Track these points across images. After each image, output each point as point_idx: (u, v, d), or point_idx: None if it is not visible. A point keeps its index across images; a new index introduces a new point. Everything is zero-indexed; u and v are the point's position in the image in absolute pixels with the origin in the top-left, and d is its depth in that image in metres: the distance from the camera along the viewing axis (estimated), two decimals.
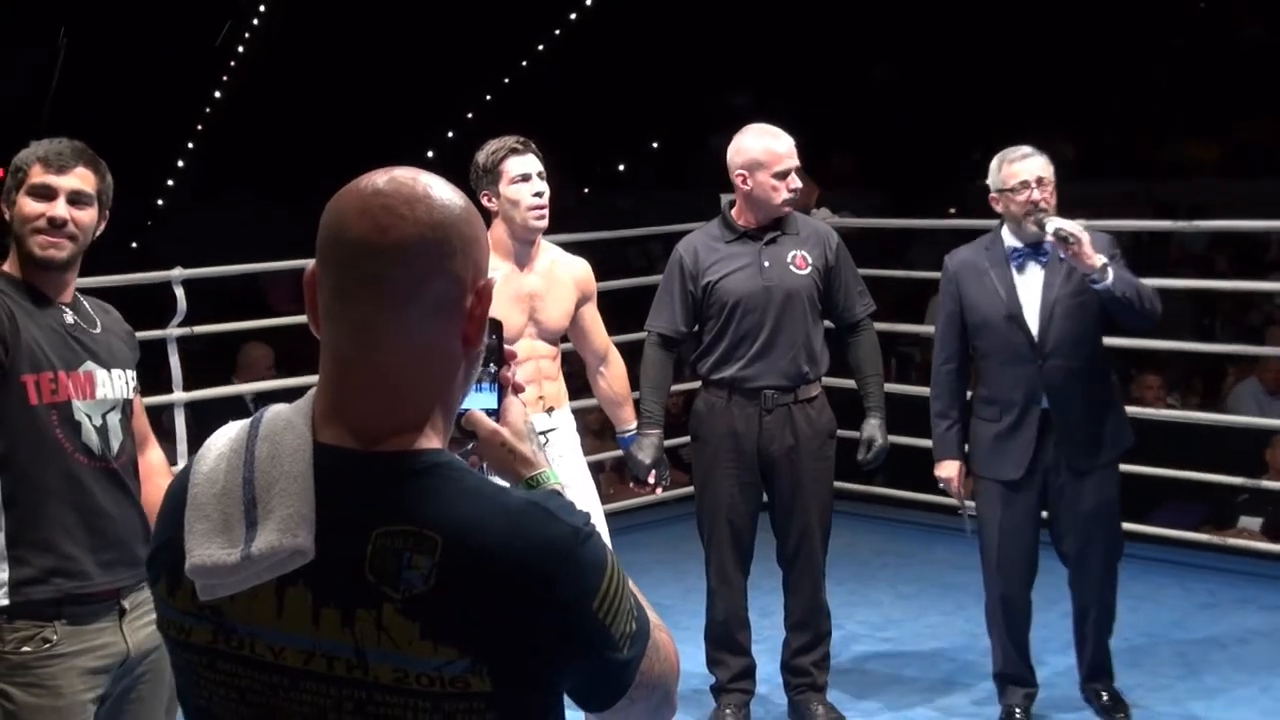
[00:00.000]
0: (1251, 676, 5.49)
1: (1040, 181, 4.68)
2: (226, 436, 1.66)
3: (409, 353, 1.59)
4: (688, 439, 5.29)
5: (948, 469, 4.98)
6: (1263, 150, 14.89)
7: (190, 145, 21.61)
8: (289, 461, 1.59)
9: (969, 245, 4.97)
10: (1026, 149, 4.76)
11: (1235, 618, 6.08)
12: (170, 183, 21.38)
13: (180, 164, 21.60)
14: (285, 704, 1.59)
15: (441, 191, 1.62)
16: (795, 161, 4.94)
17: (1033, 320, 4.74)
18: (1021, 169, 4.71)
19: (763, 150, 4.93)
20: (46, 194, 3.22)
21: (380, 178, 1.63)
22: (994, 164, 4.80)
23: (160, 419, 5.58)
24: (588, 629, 1.56)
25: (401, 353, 1.59)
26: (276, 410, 1.66)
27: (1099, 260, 4.52)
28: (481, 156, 4.50)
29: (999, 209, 4.79)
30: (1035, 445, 4.76)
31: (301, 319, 6.95)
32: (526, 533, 1.55)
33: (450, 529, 1.54)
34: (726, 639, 5.14)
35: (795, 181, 4.93)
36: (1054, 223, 4.56)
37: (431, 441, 1.61)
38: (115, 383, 3.29)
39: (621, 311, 6.87)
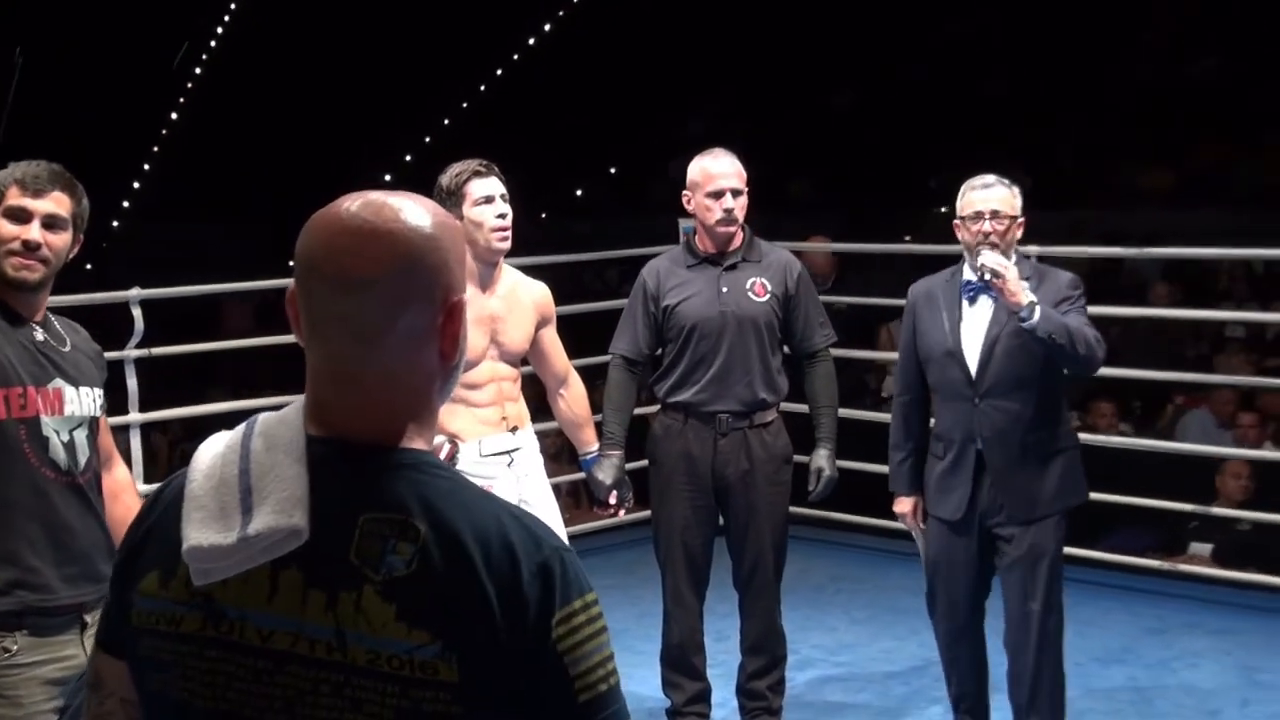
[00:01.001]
0: (1200, 701, 5.54)
1: (995, 214, 4.54)
2: (222, 440, 1.71)
3: (385, 375, 1.66)
4: (644, 462, 5.31)
5: (902, 504, 4.88)
6: (1215, 180, 15.03)
7: (146, 167, 21.52)
8: (283, 452, 1.65)
9: (933, 275, 4.83)
10: (990, 179, 4.63)
11: (1184, 642, 6.14)
12: (126, 204, 21.28)
13: (136, 186, 21.51)
14: (268, 689, 1.62)
15: (408, 219, 1.66)
16: (732, 182, 4.96)
17: (972, 357, 4.59)
18: (977, 199, 4.59)
19: (699, 170, 4.99)
20: (22, 216, 3.25)
21: (349, 207, 1.67)
22: (961, 190, 4.67)
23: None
24: (553, 642, 1.59)
25: (378, 376, 1.65)
26: (268, 414, 1.72)
27: (1025, 297, 4.39)
28: (445, 179, 4.52)
29: (959, 237, 4.66)
30: (972, 487, 4.61)
31: (258, 341, 6.93)
32: (509, 535, 1.61)
33: (435, 520, 1.60)
34: (682, 662, 5.15)
35: (729, 201, 4.95)
36: (986, 256, 4.45)
37: (415, 442, 1.67)
38: (83, 400, 3.32)
39: (579, 335, 6.87)
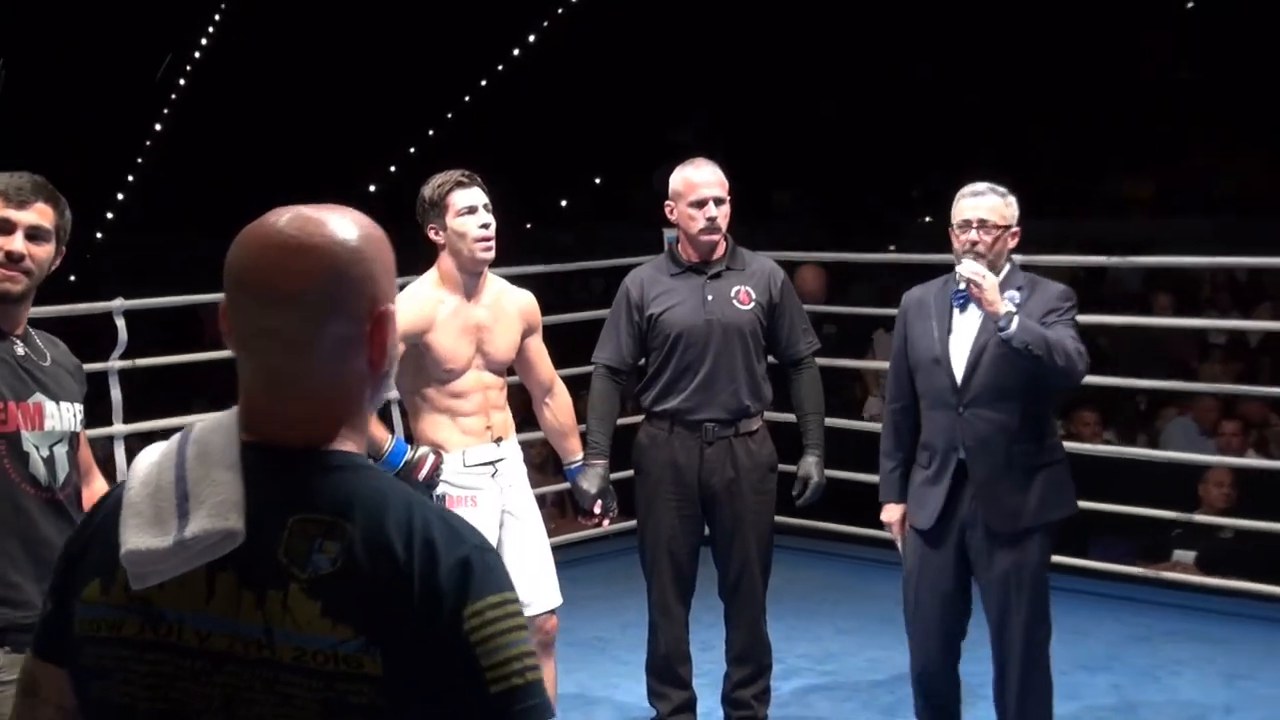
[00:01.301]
0: (1184, 709, 5.55)
1: (983, 224, 4.49)
2: (158, 449, 1.76)
3: (315, 385, 1.71)
4: (630, 472, 5.30)
5: (888, 513, 4.81)
6: (1197, 189, 15.08)
7: (130, 178, 21.49)
8: (218, 457, 1.70)
9: (927, 283, 4.78)
10: (981, 187, 4.56)
11: (1169, 650, 6.15)
12: (110, 215, 21.26)
13: (120, 197, 21.47)
14: (207, 689, 1.66)
15: (334, 233, 1.71)
16: (713, 191, 4.96)
17: (958, 365, 4.54)
18: (966, 207, 4.53)
19: (682, 180, 5.00)
20: (4, 228, 3.23)
21: (276, 222, 1.73)
22: (956, 197, 4.61)
23: (98, 450, 5.55)
24: (466, 633, 1.63)
25: (307, 385, 1.71)
26: (203, 422, 1.76)
27: (1003, 307, 4.35)
28: (427, 190, 4.51)
29: (953, 244, 4.59)
30: (948, 496, 4.56)
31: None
32: (423, 527, 1.66)
33: (362, 520, 1.65)
34: (668, 672, 5.15)
35: (712, 210, 4.95)
36: (964, 265, 4.42)
37: (346, 444, 1.72)
38: (64, 415, 3.30)
39: (564, 345, 6.87)
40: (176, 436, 1.75)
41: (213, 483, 1.68)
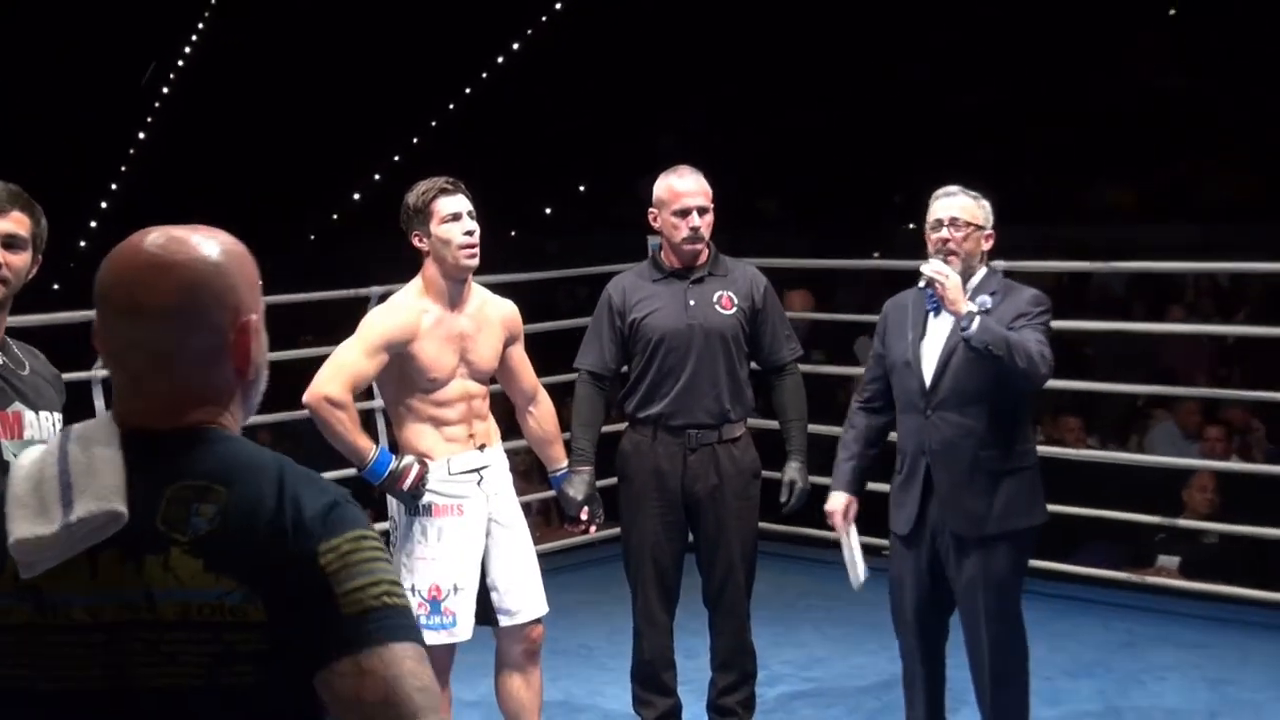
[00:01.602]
0: (1169, 715, 5.56)
1: (954, 221, 4.50)
2: (38, 449, 1.87)
3: (182, 390, 1.84)
4: (614, 479, 5.30)
5: (831, 501, 4.80)
6: (1180, 195, 15.13)
7: (114, 186, 21.45)
8: (99, 446, 1.81)
9: (911, 289, 4.73)
10: (953, 188, 4.58)
11: (1153, 656, 6.16)
12: (93, 224, 21.21)
13: (103, 205, 21.44)
14: (100, 662, 1.76)
15: (195, 251, 1.85)
16: (697, 200, 4.96)
17: (928, 369, 4.53)
18: (938, 207, 4.54)
19: (665, 188, 5.00)
20: None
21: (142, 242, 1.86)
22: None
23: None
24: (324, 568, 1.75)
25: (174, 391, 1.84)
26: (81, 423, 1.88)
27: (964, 307, 4.34)
28: (411, 197, 4.51)
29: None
30: (921, 501, 4.56)
31: None
32: (291, 485, 1.79)
33: (232, 481, 1.78)
34: (652, 679, 5.15)
35: (695, 219, 4.96)
36: (929, 265, 4.42)
37: (214, 417, 1.86)
38: (43, 424, 3.29)
39: (550, 353, 6.88)
40: (56, 435, 1.86)
41: (94, 471, 1.78)
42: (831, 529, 4.91)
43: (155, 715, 1.76)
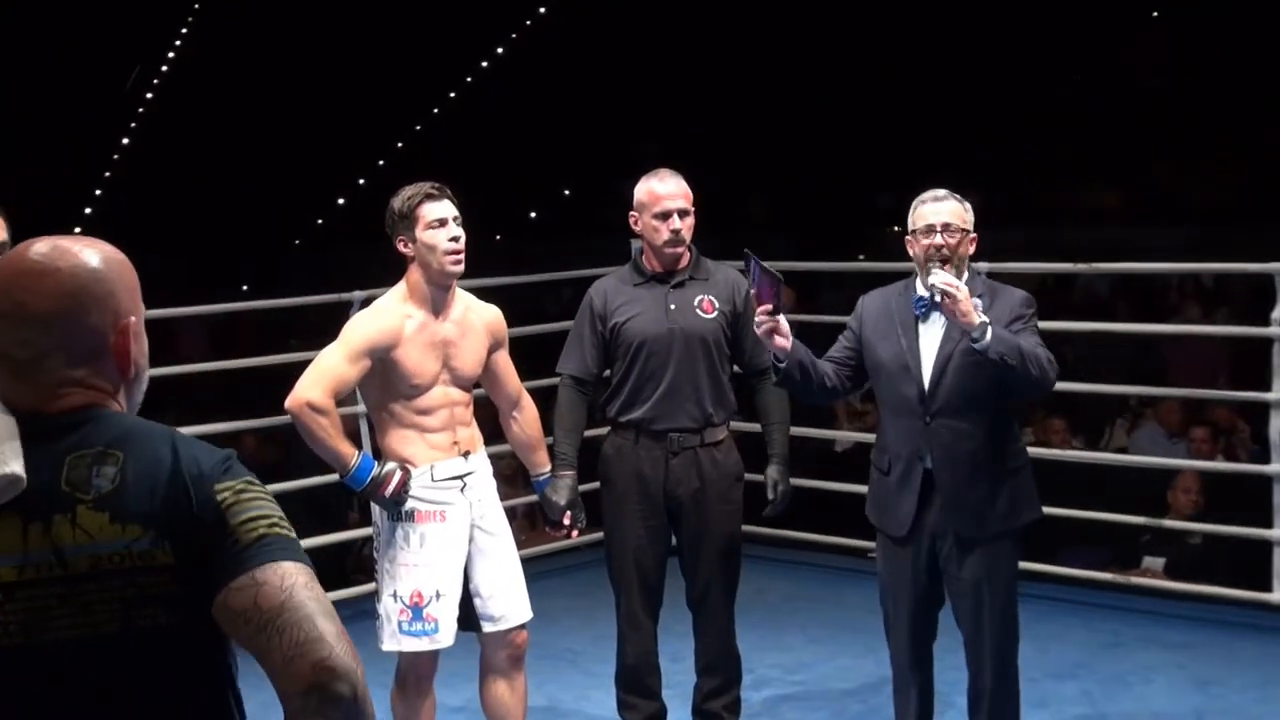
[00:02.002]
0: (1155, 716, 5.57)
1: (947, 228, 4.46)
2: None
3: (69, 381, 2.00)
4: (597, 483, 5.29)
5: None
6: (1164, 197, 15.18)
7: (98, 192, 21.42)
8: None
9: (884, 289, 4.74)
10: (941, 192, 4.55)
11: (1139, 656, 6.17)
12: (78, 230, 21.17)
13: (87, 211, 21.40)
14: (5, 619, 1.90)
15: (76, 259, 2.01)
16: (678, 204, 4.95)
17: (925, 374, 4.50)
18: (929, 212, 4.50)
19: (646, 191, 4.99)
20: None
21: (28, 251, 2.01)
22: (912, 205, 4.57)
23: None
24: (218, 506, 1.94)
25: (61, 382, 2.00)
26: None
27: (977, 318, 4.29)
28: (397, 202, 4.50)
29: (910, 252, 4.57)
30: (918, 505, 4.54)
31: (211, 365, 6.88)
32: (185, 446, 1.99)
33: (128, 446, 1.96)
34: (637, 683, 5.15)
35: (676, 223, 4.95)
36: (936, 275, 4.35)
37: (100, 401, 2.02)
38: None
39: (534, 357, 6.87)
40: None
41: None
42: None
43: (73, 663, 1.90)
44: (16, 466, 1.91)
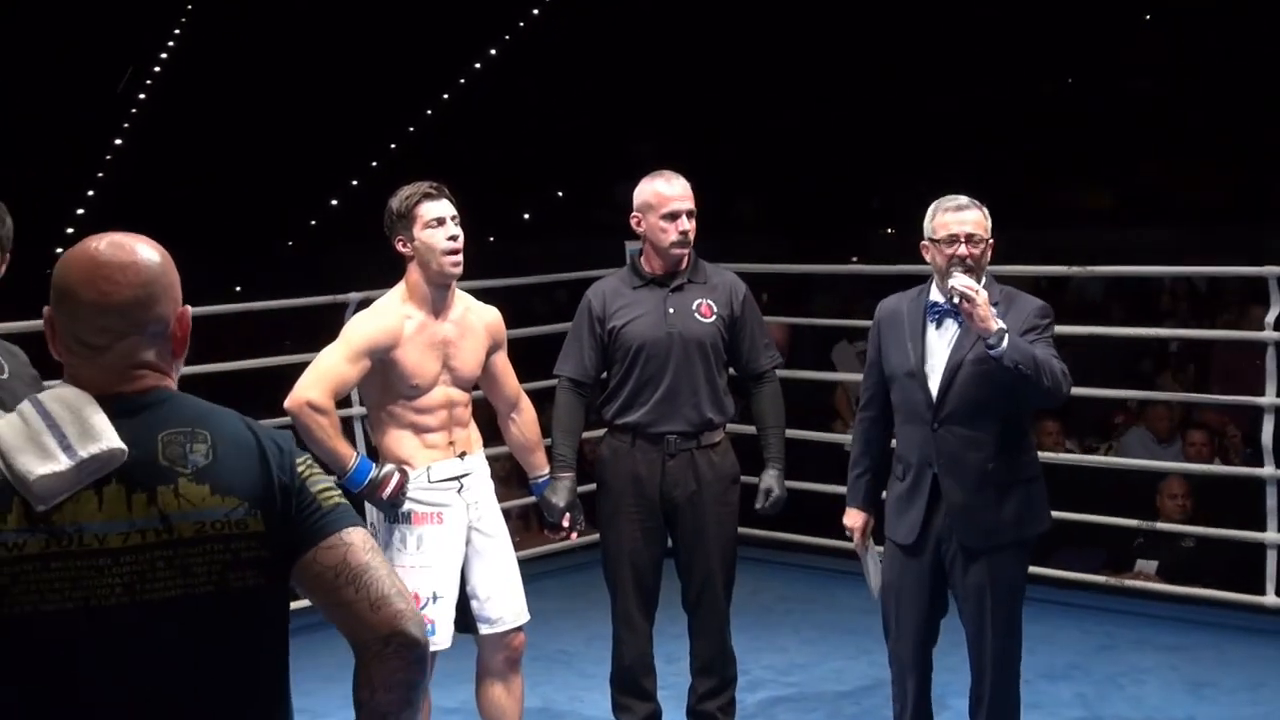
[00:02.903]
0: (1148, 717, 5.58)
1: (970, 238, 4.42)
2: (6, 416, 2.19)
3: (139, 363, 2.21)
4: (593, 485, 5.30)
5: (850, 518, 4.80)
6: (1155, 199, 15.20)
7: (90, 192, 21.39)
8: (76, 403, 2.15)
9: (900, 294, 4.71)
10: (963, 200, 4.51)
11: (1132, 658, 6.18)
12: (70, 230, 21.12)
13: (80, 211, 21.36)
14: (109, 579, 2.10)
15: (145, 254, 2.23)
16: (686, 205, 4.96)
17: (934, 380, 4.48)
18: (951, 221, 4.45)
19: (652, 193, 4.99)
20: None
21: (98, 245, 2.22)
22: (929, 211, 4.53)
23: None
24: (299, 478, 2.24)
25: (132, 365, 2.20)
26: (42, 392, 2.21)
27: (995, 324, 4.26)
28: (395, 202, 4.50)
29: (926, 258, 4.55)
30: (926, 512, 4.53)
31: (205, 368, 6.93)
32: (256, 427, 2.26)
33: (210, 425, 2.21)
34: (632, 684, 5.15)
35: (685, 224, 4.95)
36: (957, 279, 4.32)
37: (166, 382, 2.24)
38: None
39: (528, 359, 6.87)
40: (24, 403, 2.18)
41: (83, 419, 2.13)
42: (828, 538, 4.88)
43: (173, 619, 2.13)
44: (119, 442, 2.12)
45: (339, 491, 2.28)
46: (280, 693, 2.27)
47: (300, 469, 2.25)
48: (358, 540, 2.23)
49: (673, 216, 4.95)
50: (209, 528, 2.14)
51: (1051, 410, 8.05)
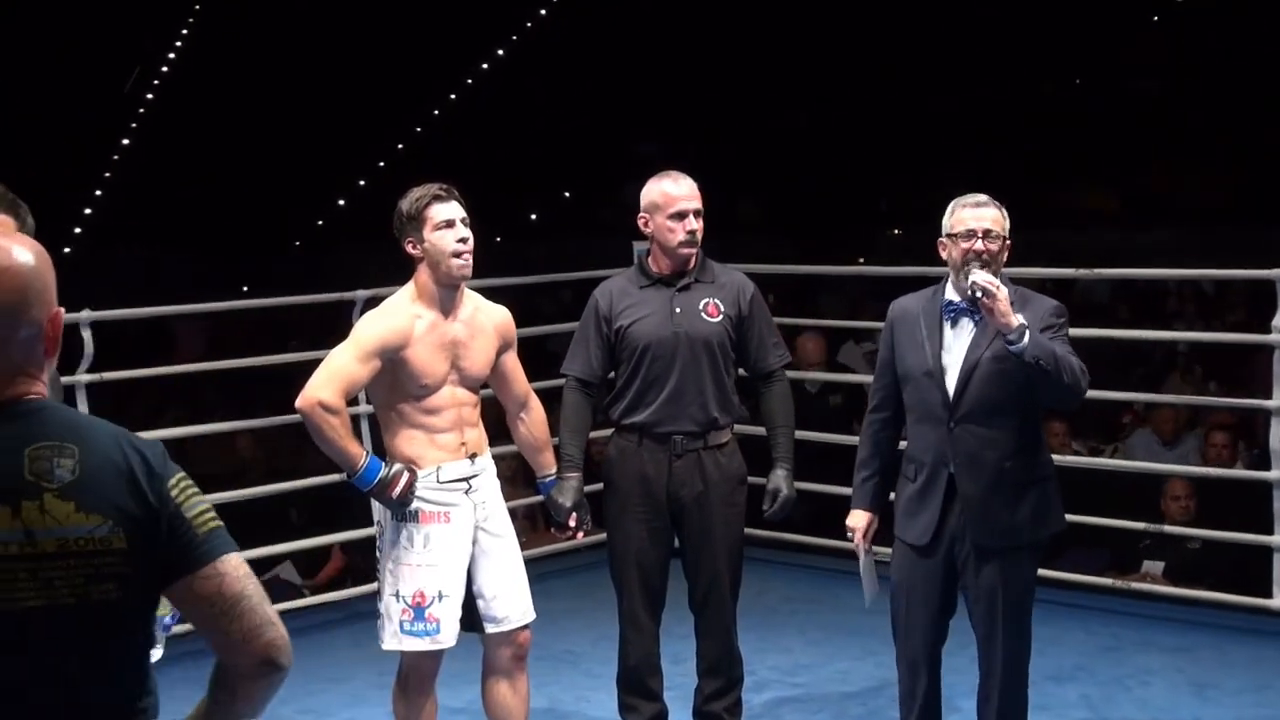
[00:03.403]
0: (1153, 718, 5.58)
1: (987, 234, 4.41)
2: None
3: (11, 368, 2.24)
4: (600, 485, 5.29)
5: (853, 519, 4.77)
6: (1162, 200, 15.18)
7: (98, 191, 21.41)
8: None
9: (915, 294, 4.69)
10: (982, 197, 4.51)
11: (1138, 660, 6.18)
12: (78, 230, 21.17)
13: (88, 211, 21.39)
14: None
15: (20, 256, 2.25)
16: (693, 204, 4.96)
17: (951, 379, 4.46)
18: (969, 216, 4.45)
19: (659, 193, 4.99)
20: None
21: None
22: (949, 208, 4.52)
23: None
24: (172, 502, 2.27)
25: (7, 369, 2.23)
26: None
27: (1015, 319, 4.24)
28: (405, 204, 4.50)
29: (944, 255, 4.52)
30: (941, 512, 4.51)
31: (211, 365, 6.86)
32: (128, 441, 2.28)
33: (79, 439, 2.24)
34: (638, 684, 5.15)
35: (692, 223, 4.96)
36: (977, 275, 4.30)
37: (36, 388, 2.27)
38: None
39: (534, 359, 6.87)
40: None
41: None
42: (838, 540, 4.85)
43: (35, 629, 2.18)
44: None
45: (214, 513, 2.32)
46: (139, 696, 2.32)
47: (174, 492, 2.28)
48: (232, 569, 2.29)
49: (680, 216, 4.95)
50: (72, 544, 2.19)
51: (1058, 411, 8.07)
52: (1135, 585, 6.93)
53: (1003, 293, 4.28)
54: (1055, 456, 6.69)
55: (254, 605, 2.30)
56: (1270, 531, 6.38)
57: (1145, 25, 17.09)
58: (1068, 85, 16.48)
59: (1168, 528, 6.93)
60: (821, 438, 7.21)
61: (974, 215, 4.46)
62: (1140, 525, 6.91)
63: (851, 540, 4.83)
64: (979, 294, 4.28)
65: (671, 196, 4.97)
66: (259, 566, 7.18)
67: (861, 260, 13.14)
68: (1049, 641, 6.10)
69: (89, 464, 2.22)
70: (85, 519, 2.19)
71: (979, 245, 4.41)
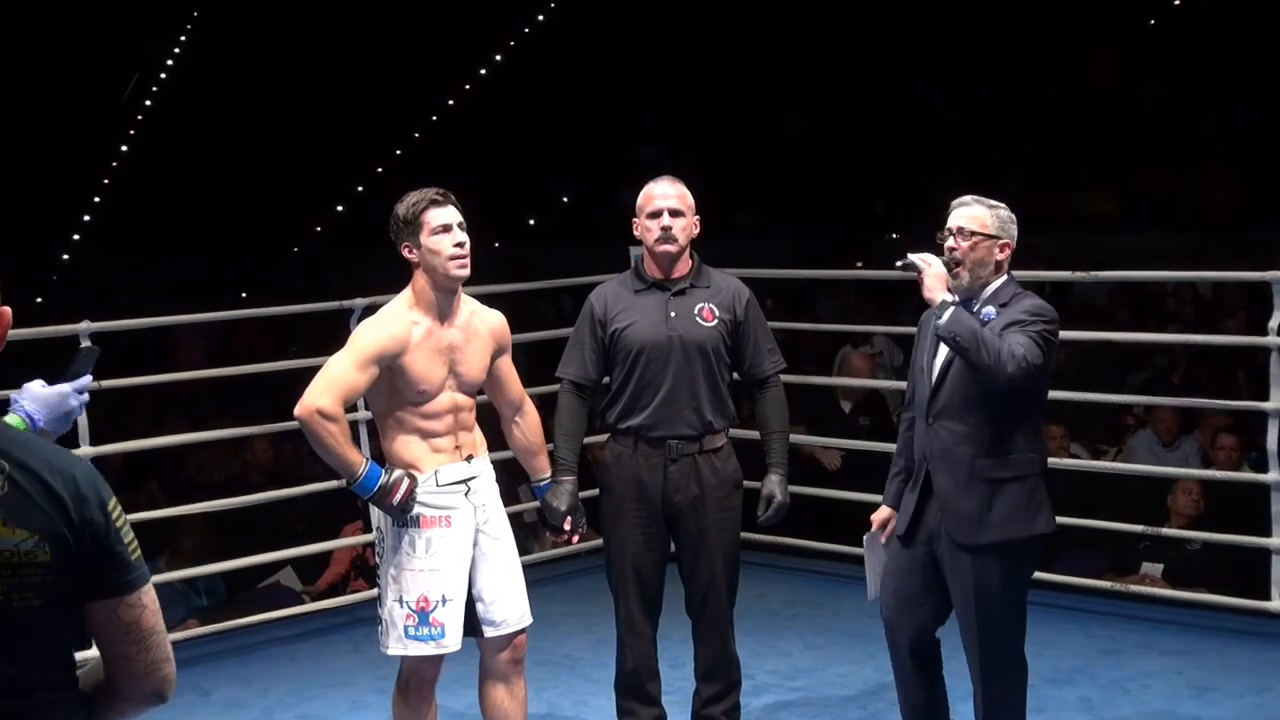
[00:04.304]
0: None
1: (960, 231, 4.50)
2: None
3: None
4: (595, 490, 5.30)
5: (879, 513, 4.85)
6: (1160, 204, 15.18)
7: (96, 199, 21.40)
8: None
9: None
10: (969, 199, 4.59)
11: (1138, 663, 6.18)
12: (76, 237, 21.17)
13: (86, 219, 21.39)
14: None
15: None
16: (670, 203, 4.98)
17: (933, 376, 4.57)
18: (950, 217, 4.56)
19: (643, 194, 5.04)
20: None
21: None
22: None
23: None
24: (109, 525, 2.35)
25: None
26: None
27: (939, 296, 4.36)
28: (401, 209, 4.52)
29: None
30: (917, 505, 4.60)
31: (210, 372, 6.86)
32: (64, 459, 2.37)
33: (12, 456, 2.30)
34: (636, 689, 5.16)
35: (666, 220, 4.97)
36: (912, 255, 4.47)
37: None
38: None
39: (532, 363, 6.88)
40: None
41: None
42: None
43: None
44: None
45: (137, 541, 2.40)
46: (64, 698, 2.40)
47: (112, 514, 2.37)
48: (150, 601, 2.40)
49: (655, 214, 4.98)
50: None
51: (1056, 413, 8.08)
52: (1134, 588, 6.94)
53: (931, 269, 4.41)
54: (1053, 460, 6.72)
55: (161, 640, 2.42)
56: (1269, 534, 6.38)
57: (1146, 29, 17.09)
58: (1067, 89, 16.48)
59: (1166, 530, 6.94)
60: (819, 442, 7.22)
61: (954, 216, 4.57)
62: (1139, 528, 6.91)
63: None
64: (901, 268, 4.46)
65: (649, 196, 5.02)
66: (261, 572, 7.22)
67: (859, 265, 13.14)
68: (1048, 644, 6.13)
69: (21, 479, 2.30)
70: (12, 534, 2.28)
71: (950, 242, 4.52)
